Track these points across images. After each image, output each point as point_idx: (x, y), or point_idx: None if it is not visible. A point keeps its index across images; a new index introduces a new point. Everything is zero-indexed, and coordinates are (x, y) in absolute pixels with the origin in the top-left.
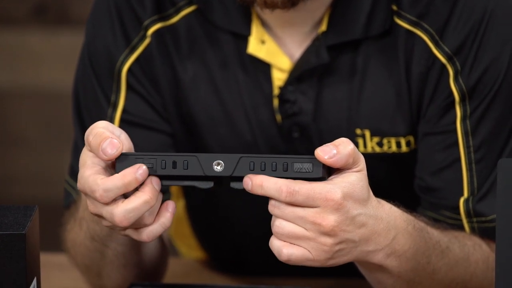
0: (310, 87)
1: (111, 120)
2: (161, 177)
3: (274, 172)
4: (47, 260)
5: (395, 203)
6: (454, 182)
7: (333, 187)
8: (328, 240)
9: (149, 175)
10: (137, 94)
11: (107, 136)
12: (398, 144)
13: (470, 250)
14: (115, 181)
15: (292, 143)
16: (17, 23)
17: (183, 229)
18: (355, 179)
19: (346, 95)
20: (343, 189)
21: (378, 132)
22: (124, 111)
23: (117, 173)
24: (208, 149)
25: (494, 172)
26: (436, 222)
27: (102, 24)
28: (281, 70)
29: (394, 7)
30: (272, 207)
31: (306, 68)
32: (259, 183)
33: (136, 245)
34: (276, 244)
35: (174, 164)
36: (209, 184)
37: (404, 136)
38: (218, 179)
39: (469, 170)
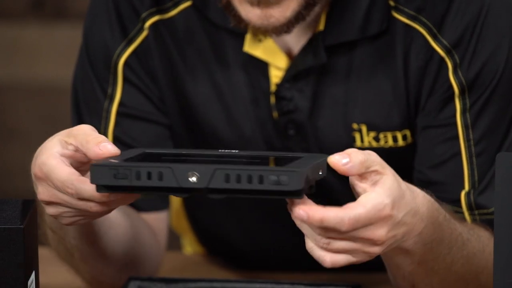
0: (307, 85)
1: (108, 113)
2: (137, 188)
3: (249, 185)
4: (45, 253)
5: (426, 190)
6: (455, 176)
7: (382, 201)
8: (377, 249)
9: (124, 186)
10: (134, 87)
11: (104, 138)
12: (395, 139)
13: (485, 242)
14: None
15: (288, 140)
16: (15, 17)
17: (182, 223)
18: (390, 182)
19: (342, 91)
20: (389, 199)
21: (375, 127)
22: (120, 103)
23: (90, 181)
24: (207, 142)
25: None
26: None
27: (99, 17)
28: (278, 68)
29: (391, 3)
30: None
31: (303, 68)
32: (318, 219)
33: (88, 238)
34: (319, 253)
35: (149, 175)
36: (185, 195)
37: (400, 130)
38: (194, 190)
39: (470, 163)
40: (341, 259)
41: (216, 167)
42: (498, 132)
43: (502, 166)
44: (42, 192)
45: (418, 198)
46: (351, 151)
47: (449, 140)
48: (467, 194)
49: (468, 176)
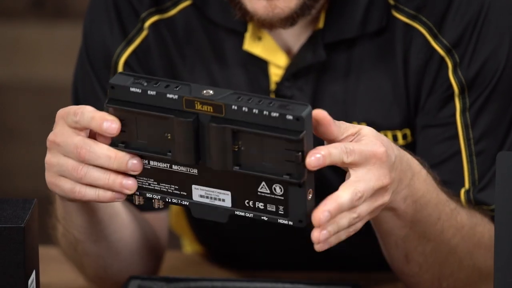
0: (306, 84)
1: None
2: (149, 99)
3: (257, 105)
4: (46, 253)
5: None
6: (455, 174)
7: (372, 140)
8: (386, 197)
9: (137, 94)
10: None
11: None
12: (395, 137)
13: (478, 221)
14: (104, 150)
15: None
16: (15, 16)
17: (182, 223)
18: (370, 130)
19: (342, 90)
20: (377, 140)
21: (375, 125)
22: None
23: (109, 82)
24: None
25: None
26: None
27: (99, 17)
28: (277, 66)
29: (391, 1)
30: (358, 194)
31: (303, 66)
32: (327, 153)
33: (92, 236)
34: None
35: (167, 86)
36: (189, 117)
37: (400, 129)
38: (197, 116)
39: (470, 162)
40: (357, 227)
41: (233, 91)
42: (498, 131)
43: (503, 165)
44: (54, 132)
45: (399, 148)
46: None
47: (448, 139)
48: (467, 192)
49: (468, 175)
